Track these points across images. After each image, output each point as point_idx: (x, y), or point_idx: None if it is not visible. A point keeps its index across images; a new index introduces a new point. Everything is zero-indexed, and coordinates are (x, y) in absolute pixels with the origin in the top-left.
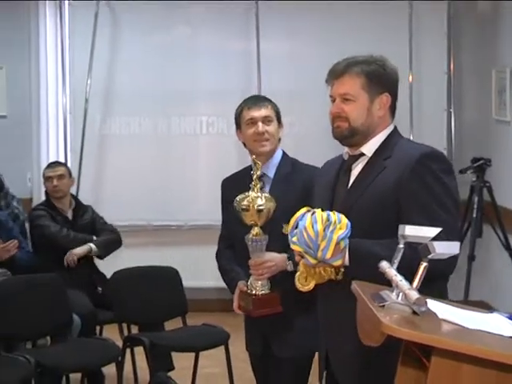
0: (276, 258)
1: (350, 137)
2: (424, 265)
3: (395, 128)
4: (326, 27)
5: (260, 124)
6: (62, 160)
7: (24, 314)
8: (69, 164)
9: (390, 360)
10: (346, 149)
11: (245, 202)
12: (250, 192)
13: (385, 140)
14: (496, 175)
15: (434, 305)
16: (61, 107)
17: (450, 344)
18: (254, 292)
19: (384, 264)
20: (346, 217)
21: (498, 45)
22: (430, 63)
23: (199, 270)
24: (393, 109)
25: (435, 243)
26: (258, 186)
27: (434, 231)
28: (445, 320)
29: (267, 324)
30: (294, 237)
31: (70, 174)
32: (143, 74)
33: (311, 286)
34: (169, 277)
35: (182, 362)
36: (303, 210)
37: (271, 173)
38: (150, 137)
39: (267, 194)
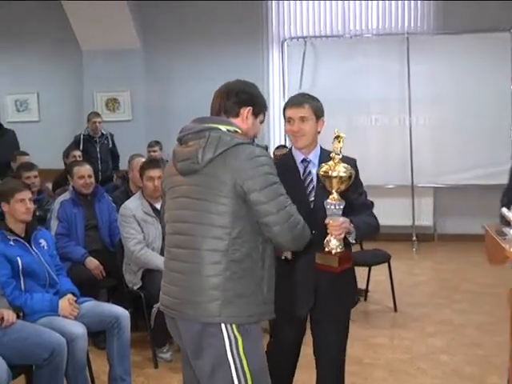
0: (346, 220)
1: None
2: None
3: None
4: (454, 53)
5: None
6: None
7: None
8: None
9: None
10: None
11: (324, 169)
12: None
13: None
14: None
15: None
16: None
17: None
18: (334, 251)
19: (504, 209)
20: None
21: None
22: None
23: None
24: None
25: None
26: (337, 158)
27: None
28: None
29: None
30: None
31: None
32: (333, 86)
33: None
34: None
35: (360, 272)
36: None
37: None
38: (337, 127)
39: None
